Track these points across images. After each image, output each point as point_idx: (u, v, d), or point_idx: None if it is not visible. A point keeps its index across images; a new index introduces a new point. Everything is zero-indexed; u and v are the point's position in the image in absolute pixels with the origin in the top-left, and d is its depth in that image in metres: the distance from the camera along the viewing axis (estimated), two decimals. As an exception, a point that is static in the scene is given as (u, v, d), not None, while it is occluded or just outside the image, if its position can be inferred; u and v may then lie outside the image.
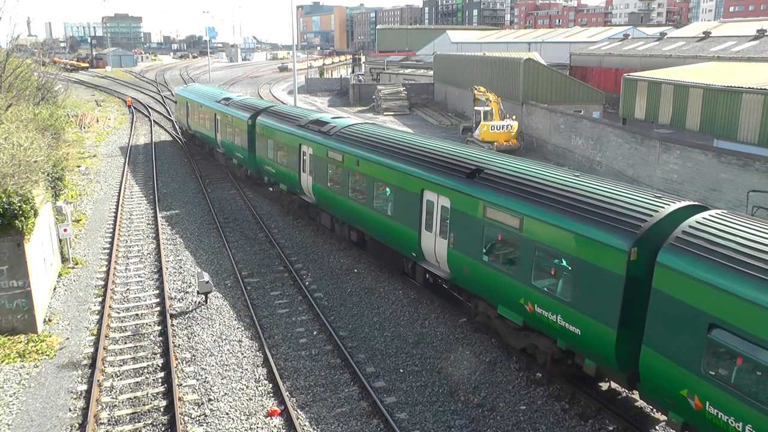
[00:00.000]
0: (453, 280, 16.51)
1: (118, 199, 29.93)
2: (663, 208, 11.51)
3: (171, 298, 18.89)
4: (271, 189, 30.16)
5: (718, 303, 9.58)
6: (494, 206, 14.19)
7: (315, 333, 16.76)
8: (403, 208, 17.71)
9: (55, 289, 19.44)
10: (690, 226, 10.65)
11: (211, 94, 38.94)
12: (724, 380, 9.62)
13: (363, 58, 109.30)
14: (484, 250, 14.62)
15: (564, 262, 12.47)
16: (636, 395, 13.01)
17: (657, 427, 12.68)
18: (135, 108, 65.47)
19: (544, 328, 13.37)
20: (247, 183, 32.71)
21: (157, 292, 19.44)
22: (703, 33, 59.17)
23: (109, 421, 12.83)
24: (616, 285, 11.23)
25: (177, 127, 49.32)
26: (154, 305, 18.53)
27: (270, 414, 13.06)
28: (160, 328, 17.03)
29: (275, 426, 12.68)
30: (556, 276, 12.80)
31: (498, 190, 14.36)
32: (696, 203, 11.98)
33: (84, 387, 14.06)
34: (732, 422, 9.52)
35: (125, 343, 16.23)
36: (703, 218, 10.83)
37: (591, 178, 13.97)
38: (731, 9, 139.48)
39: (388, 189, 18.55)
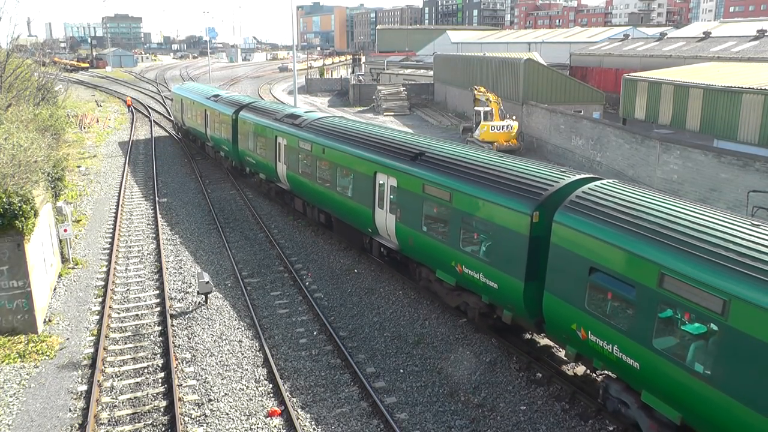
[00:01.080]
0: (401, 250, 18.72)
1: (118, 199, 29.94)
2: (563, 179, 13.80)
3: (171, 299, 18.89)
4: (253, 179, 31.79)
5: (596, 251, 11.79)
6: (431, 183, 16.54)
7: (315, 333, 16.76)
8: (360, 190, 19.96)
9: (55, 289, 19.44)
10: (581, 192, 12.89)
11: (202, 91, 40.60)
12: (600, 313, 11.84)
13: (363, 59, 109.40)
14: (423, 222, 17.00)
15: (484, 228, 14.80)
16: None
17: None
18: (135, 108, 65.48)
19: (471, 286, 15.68)
20: (247, 183, 32.75)
21: (158, 292, 19.44)
22: (703, 33, 59.20)
23: (109, 421, 12.83)
24: (522, 243, 13.55)
25: (175, 124, 50.46)
26: (154, 305, 18.53)
27: (270, 414, 13.06)
28: (160, 328, 17.03)
29: (275, 426, 12.68)
30: (478, 240, 15.11)
31: (434, 170, 16.65)
32: (592, 176, 14.18)
33: (84, 387, 14.06)
34: (605, 345, 11.76)
35: (125, 343, 16.23)
36: (592, 187, 13.09)
37: (509, 158, 16.39)
38: (731, 9, 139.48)
39: (348, 173, 20.78)
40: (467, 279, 15.58)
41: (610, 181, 13.64)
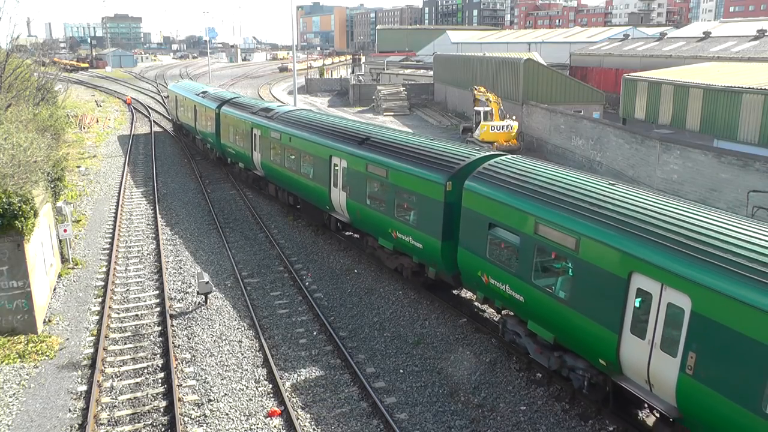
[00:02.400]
0: (352, 223, 21.53)
1: (118, 199, 29.93)
2: (472, 156, 16.59)
3: (171, 299, 18.88)
4: (234, 169, 34.14)
5: (493, 210, 14.58)
6: (372, 163, 19.23)
7: (315, 333, 16.75)
8: (319, 172, 22.66)
9: (55, 289, 19.43)
10: (486, 165, 15.63)
11: (193, 88, 43.21)
12: (496, 260, 14.62)
13: (363, 59, 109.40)
14: (367, 197, 19.77)
15: (411, 198, 17.63)
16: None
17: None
18: (135, 108, 65.47)
19: (404, 249, 18.56)
20: (247, 183, 32.76)
21: (157, 292, 19.43)
22: (703, 33, 59.18)
23: (109, 421, 12.82)
24: (438, 208, 16.42)
25: (172, 121, 51.76)
26: (154, 306, 18.52)
27: (270, 414, 13.05)
28: (160, 328, 17.02)
29: (275, 426, 12.67)
30: (408, 208, 17.91)
31: (375, 151, 19.41)
32: (496, 153, 17.05)
33: (84, 387, 14.05)
34: (500, 286, 14.49)
35: (125, 343, 16.22)
36: (494, 161, 15.83)
37: (435, 141, 19.13)
38: (731, 9, 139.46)
39: (309, 158, 23.45)
40: (401, 243, 18.49)
41: (510, 156, 16.59)
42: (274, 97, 76.74)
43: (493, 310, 17.13)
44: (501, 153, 17.14)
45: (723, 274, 9.60)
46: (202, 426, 12.71)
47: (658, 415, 11.72)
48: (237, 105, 32.44)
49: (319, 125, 23.82)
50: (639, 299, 11.09)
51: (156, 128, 52.73)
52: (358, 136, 20.90)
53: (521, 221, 13.62)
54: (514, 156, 16.69)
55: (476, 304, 18.07)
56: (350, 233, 24.03)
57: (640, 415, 12.98)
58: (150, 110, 64.24)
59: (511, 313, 15.03)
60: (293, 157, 24.67)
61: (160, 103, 70.96)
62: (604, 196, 12.48)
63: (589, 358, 12.52)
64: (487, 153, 16.99)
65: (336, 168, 21.49)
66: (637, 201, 11.97)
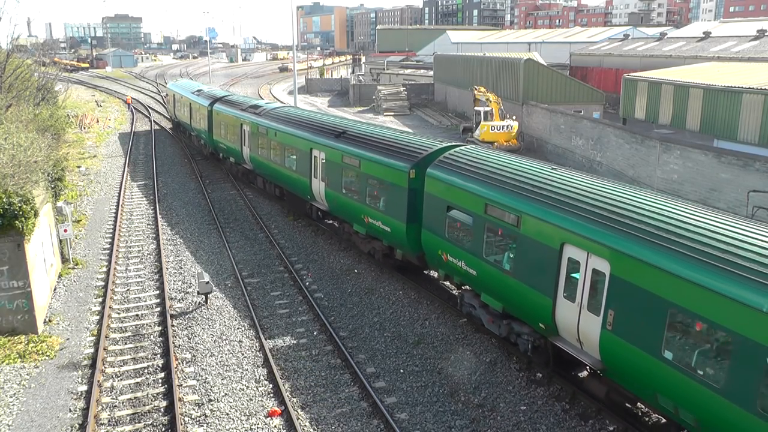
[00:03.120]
0: (330, 211, 23.00)
1: (118, 199, 29.94)
2: (434, 146, 18.17)
3: (171, 299, 18.89)
4: (225, 164, 35.88)
5: (450, 193, 16.08)
6: (347, 154, 20.79)
7: (315, 333, 16.76)
8: (301, 164, 24.19)
9: (55, 289, 19.44)
10: (446, 155, 17.21)
11: (189, 87, 45.20)
12: (453, 239, 16.11)
13: (363, 59, 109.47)
14: (343, 186, 21.27)
15: (380, 186, 19.15)
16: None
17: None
18: (135, 108, 65.48)
19: (375, 233, 20.06)
20: (247, 184, 32.78)
21: (158, 292, 19.44)
22: (703, 33, 59.16)
23: (109, 421, 12.82)
24: (403, 194, 17.94)
25: (170, 118, 53.22)
26: (154, 306, 18.53)
27: (270, 414, 13.06)
28: (160, 328, 17.02)
29: (275, 426, 12.67)
30: (377, 196, 19.34)
31: (350, 144, 21.02)
32: (457, 144, 18.49)
33: (84, 387, 14.06)
34: (457, 262, 16.05)
35: (125, 343, 16.23)
36: (453, 151, 17.42)
37: (402, 134, 21.38)
38: (731, 9, 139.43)
39: (292, 151, 24.98)
40: (372, 227, 20.03)
41: (468, 147, 18.15)
42: (274, 97, 76.73)
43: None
44: (460, 144, 18.67)
45: (635, 242, 11.15)
46: (202, 426, 12.72)
47: (589, 370, 13.42)
48: (228, 102, 34.10)
49: (302, 120, 25.49)
50: (569, 267, 12.60)
51: (156, 128, 52.73)
52: (335, 130, 22.61)
53: (474, 203, 15.28)
54: (473, 146, 18.38)
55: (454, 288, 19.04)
56: (330, 221, 25.25)
57: (576, 372, 14.41)
58: (150, 110, 64.24)
59: (468, 288, 16.67)
60: (278, 150, 26.27)
61: (160, 103, 70.96)
62: (544, 179, 14.18)
63: (531, 323, 14.16)
64: (448, 144, 18.53)
65: (316, 160, 23.10)
66: (570, 183, 13.69)
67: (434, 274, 19.93)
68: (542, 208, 13.26)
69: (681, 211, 11.42)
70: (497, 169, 15.35)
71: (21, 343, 15.76)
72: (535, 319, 13.78)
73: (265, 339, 16.23)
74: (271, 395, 13.78)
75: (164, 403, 13.43)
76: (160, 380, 14.40)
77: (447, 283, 18.75)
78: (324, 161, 22.32)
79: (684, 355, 10.27)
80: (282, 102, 66.86)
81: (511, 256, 14.08)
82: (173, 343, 16.00)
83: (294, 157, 24.79)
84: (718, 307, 9.61)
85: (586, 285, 12.14)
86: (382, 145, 19.70)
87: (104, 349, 15.70)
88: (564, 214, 12.73)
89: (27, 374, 14.57)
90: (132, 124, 55.54)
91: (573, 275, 12.51)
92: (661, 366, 10.57)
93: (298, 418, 12.88)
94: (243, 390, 14.00)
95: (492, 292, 15.07)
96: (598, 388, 13.10)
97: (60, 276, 20.47)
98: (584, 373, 14.13)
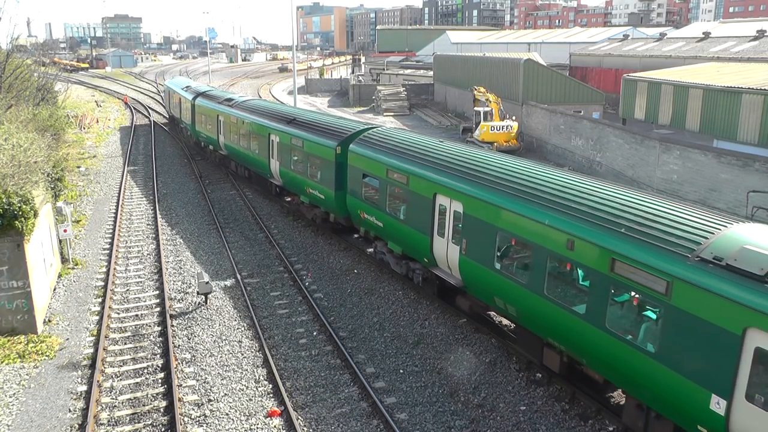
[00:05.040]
0: (284, 186, 27.04)
1: (118, 199, 29.93)
2: (358, 127, 22.26)
3: (171, 299, 18.88)
4: (206, 152, 39.88)
5: (365, 164, 19.95)
6: (294, 137, 24.71)
7: (315, 333, 16.76)
8: (262, 147, 28.04)
9: (54, 289, 19.43)
10: (366, 134, 21.11)
11: (180, 83, 49.22)
12: (367, 200, 19.97)
13: (363, 59, 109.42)
14: (291, 164, 25.15)
15: (316, 161, 23.03)
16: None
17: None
18: (135, 108, 65.45)
19: (315, 202, 23.94)
20: (247, 184, 32.80)
21: (157, 292, 19.44)
22: (703, 33, 59.18)
23: (109, 421, 12.82)
24: (332, 167, 21.80)
25: (167, 114, 56.82)
26: (154, 306, 18.53)
27: (270, 414, 13.05)
28: (160, 328, 17.02)
29: (275, 426, 12.67)
30: (315, 169, 23.18)
31: (297, 128, 24.91)
32: (376, 125, 22.65)
33: (84, 388, 14.06)
34: (370, 218, 19.96)
35: (125, 343, 16.22)
36: (372, 131, 21.41)
37: (335, 118, 26.12)
38: (731, 9, 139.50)
39: (256, 137, 28.70)
40: (313, 197, 23.88)
41: (380, 128, 22.05)
42: (274, 97, 76.74)
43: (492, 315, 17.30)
44: (376, 125, 22.61)
45: (478, 188, 14.97)
46: (202, 426, 12.71)
47: (457, 286, 16.55)
48: (208, 96, 38.05)
49: (263, 110, 29.55)
50: (440, 211, 16.42)
51: (156, 128, 52.72)
52: (287, 118, 26.53)
53: (380, 170, 19.12)
54: (385, 127, 22.26)
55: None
56: (288, 198, 28.66)
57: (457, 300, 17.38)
58: (150, 110, 64.23)
59: (379, 238, 20.36)
60: (245, 137, 30.12)
61: (160, 103, 70.95)
62: (428, 148, 18.00)
63: (419, 259, 18.00)
64: (367, 125, 22.56)
65: (272, 143, 26.94)
66: (444, 150, 17.58)
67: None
68: (422, 169, 17.20)
69: (514, 166, 15.27)
70: (396, 143, 19.30)
71: (20, 343, 15.76)
72: (421, 255, 17.69)
73: (265, 339, 16.23)
74: (271, 395, 13.78)
75: (164, 404, 13.42)
76: (159, 380, 14.40)
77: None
78: (278, 143, 26.24)
79: (506, 264, 14.11)
80: (282, 102, 66.85)
81: (403, 208, 18.08)
82: (173, 343, 16.00)
83: (256, 142, 28.70)
84: (523, 226, 13.37)
85: (449, 223, 16.08)
86: (318, 128, 23.69)
87: (104, 349, 15.70)
88: (435, 173, 16.64)
89: (26, 374, 14.56)
90: (132, 124, 55.54)
91: (442, 217, 16.35)
92: (494, 275, 14.34)
93: (297, 419, 12.88)
94: (243, 390, 13.99)
95: (394, 239, 19.09)
96: (464, 303, 16.99)
97: (60, 276, 20.46)
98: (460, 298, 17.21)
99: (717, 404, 9.51)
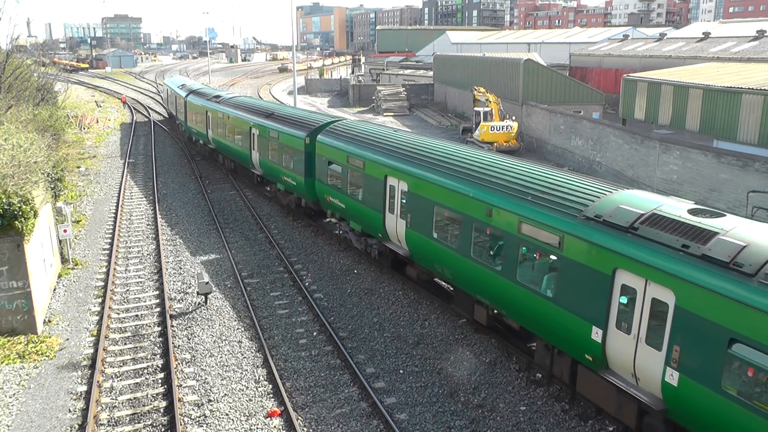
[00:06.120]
0: (264, 175, 29.04)
1: (118, 199, 29.93)
2: (324, 120, 24.40)
3: (171, 299, 18.88)
4: (197, 146, 42.07)
5: (330, 152, 22.06)
6: (272, 129, 26.84)
7: (315, 334, 16.76)
8: (245, 140, 30.29)
9: (54, 290, 19.43)
10: (332, 126, 23.27)
11: (178, 82, 51.56)
12: (331, 184, 22.15)
13: (363, 59, 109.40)
14: (270, 155, 27.25)
15: (288, 151, 25.22)
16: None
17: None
18: (135, 109, 65.44)
19: (289, 188, 26.10)
20: (247, 184, 32.80)
21: (157, 292, 19.43)
22: (703, 34, 59.17)
23: (108, 422, 12.82)
24: (301, 156, 24.01)
25: (166, 111, 59.56)
26: (153, 306, 18.52)
27: (270, 415, 13.05)
28: (159, 328, 17.02)
29: (275, 427, 12.67)
30: (288, 159, 25.31)
31: (273, 121, 27.14)
32: (342, 118, 25.35)
33: (84, 388, 14.05)
34: (334, 201, 22.02)
35: (125, 344, 16.22)
36: (337, 123, 23.54)
37: (305, 111, 28.50)
38: (731, 10, 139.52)
39: (239, 131, 31.04)
40: (287, 184, 26.13)
41: (345, 120, 24.28)
42: (274, 97, 76.72)
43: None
44: (341, 118, 25.03)
45: (419, 168, 17.13)
46: (202, 426, 12.71)
47: (406, 261, 18.94)
48: (198, 93, 40.41)
49: (246, 106, 31.87)
50: (390, 190, 18.52)
51: (156, 128, 52.71)
52: (266, 112, 28.88)
53: (342, 157, 21.14)
54: (349, 120, 24.58)
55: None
56: (269, 188, 30.67)
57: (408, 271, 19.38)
58: (150, 110, 64.21)
59: (343, 219, 22.33)
60: (230, 131, 32.30)
61: (160, 103, 70.93)
62: (382, 138, 20.19)
63: (375, 235, 20.11)
64: (333, 118, 24.88)
65: (253, 136, 29.04)
66: (396, 138, 19.80)
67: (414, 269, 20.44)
68: (375, 154, 19.34)
69: (449, 150, 17.42)
70: (356, 134, 21.45)
71: (20, 343, 15.76)
72: (376, 231, 19.65)
73: (265, 339, 16.22)
74: (271, 396, 13.78)
75: (164, 404, 13.42)
76: (159, 380, 14.40)
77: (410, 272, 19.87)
78: (258, 136, 28.52)
79: (441, 233, 16.23)
80: (282, 102, 66.85)
81: (361, 189, 20.13)
82: (173, 343, 16.00)
83: (240, 135, 30.89)
84: (454, 199, 15.52)
85: (397, 200, 18.17)
86: (291, 121, 25.87)
87: (104, 349, 15.69)
88: (386, 158, 18.74)
89: (26, 375, 14.56)
90: (132, 124, 55.53)
91: (392, 196, 18.42)
92: (433, 244, 16.46)
93: (297, 419, 12.88)
94: (242, 390, 13.99)
95: (354, 218, 21.10)
96: (412, 272, 19.07)
97: (60, 276, 20.46)
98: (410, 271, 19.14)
99: (596, 334, 11.60)
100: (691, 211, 11.26)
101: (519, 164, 15.32)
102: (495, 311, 15.39)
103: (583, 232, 11.84)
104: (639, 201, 11.97)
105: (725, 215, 11.11)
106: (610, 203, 12.09)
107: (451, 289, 17.76)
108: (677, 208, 11.48)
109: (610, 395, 11.89)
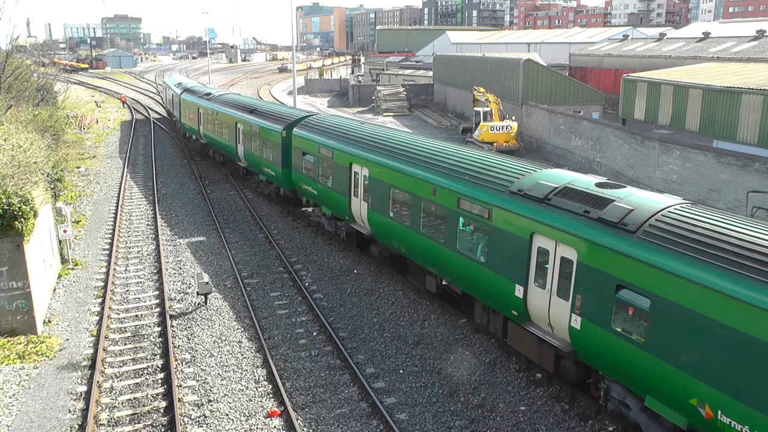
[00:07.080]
0: (248, 167, 30.95)
1: (118, 200, 29.93)
2: (299, 115, 26.49)
3: (171, 299, 18.88)
4: (190, 142, 43.57)
5: (305, 144, 23.81)
6: (254, 124, 28.80)
7: (315, 334, 16.75)
8: (231, 134, 32.17)
9: (54, 290, 19.42)
10: (306, 120, 25.10)
11: (175, 81, 53.14)
12: (306, 174, 23.89)
13: (362, 59, 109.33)
14: (252, 148, 29.17)
15: (267, 143, 27.20)
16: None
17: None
18: (135, 109, 65.44)
19: (269, 178, 28.11)
20: (247, 185, 32.80)
21: (157, 293, 19.43)
22: (703, 34, 59.15)
23: (108, 422, 12.82)
24: (278, 148, 25.89)
25: (165, 108, 61.38)
26: (153, 306, 18.52)
27: (270, 415, 13.05)
28: (159, 329, 17.01)
29: (275, 427, 12.67)
30: (268, 151, 27.21)
31: (256, 116, 29.10)
32: (315, 113, 27.67)
33: (84, 388, 14.05)
34: (308, 188, 23.82)
35: (125, 344, 16.22)
36: (310, 117, 25.47)
37: (282, 106, 33.20)
38: (731, 9, 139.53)
39: (226, 126, 32.91)
40: (267, 174, 28.06)
41: (318, 115, 26.27)
42: (274, 97, 76.71)
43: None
44: (315, 113, 27.39)
45: (378, 155, 19.08)
46: (201, 426, 12.71)
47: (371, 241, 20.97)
48: (192, 91, 42.24)
49: (232, 102, 33.84)
50: (354, 177, 20.28)
51: (156, 128, 52.71)
52: (250, 108, 30.83)
53: (314, 148, 22.98)
54: (322, 114, 26.88)
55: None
56: (255, 181, 31.74)
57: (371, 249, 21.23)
58: (149, 110, 64.21)
59: (316, 205, 24.10)
60: (219, 127, 34.14)
61: (159, 103, 70.93)
62: (348, 129, 22.16)
63: (342, 217, 21.94)
64: (308, 113, 26.97)
65: (239, 131, 30.94)
66: (361, 129, 21.76)
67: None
68: (343, 144, 21.14)
69: (404, 138, 19.49)
70: (327, 126, 23.43)
71: (20, 343, 15.75)
72: (343, 214, 21.45)
73: (265, 339, 16.22)
74: (271, 396, 13.78)
75: (164, 404, 13.42)
76: (159, 381, 14.40)
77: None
78: (242, 130, 30.33)
79: (396, 212, 17.99)
80: (282, 102, 66.84)
81: (330, 177, 21.80)
82: (173, 343, 15.99)
83: (227, 130, 32.84)
84: (405, 181, 17.41)
85: (361, 185, 19.89)
86: (270, 115, 27.95)
87: (104, 349, 15.69)
88: (352, 147, 20.51)
89: (26, 375, 14.56)
90: (132, 124, 55.53)
91: (356, 182, 20.13)
92: (390, 222, 18.34)
93: (297, 419, 12.87)
94: (242, 390, 13.99)
95: (325, 204, 22.89)
96: (375, 250, 20.84)
97: (59, 276, 20.46)
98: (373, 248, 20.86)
99: (519, 291, 13.44)
100: (598, 185, 13.11)
101: (459, 149, 17.50)
102: (442, 280, 17.41)
103: (507, 204, 13.82)
104: (556, 177, 13.90)
105: (626, 187, 13.02)
106: (532, 180, 13.98)
107: (408, 262, 19.20)
108: (587, 182, 13.36)
109: (533, 345, 13.78)
